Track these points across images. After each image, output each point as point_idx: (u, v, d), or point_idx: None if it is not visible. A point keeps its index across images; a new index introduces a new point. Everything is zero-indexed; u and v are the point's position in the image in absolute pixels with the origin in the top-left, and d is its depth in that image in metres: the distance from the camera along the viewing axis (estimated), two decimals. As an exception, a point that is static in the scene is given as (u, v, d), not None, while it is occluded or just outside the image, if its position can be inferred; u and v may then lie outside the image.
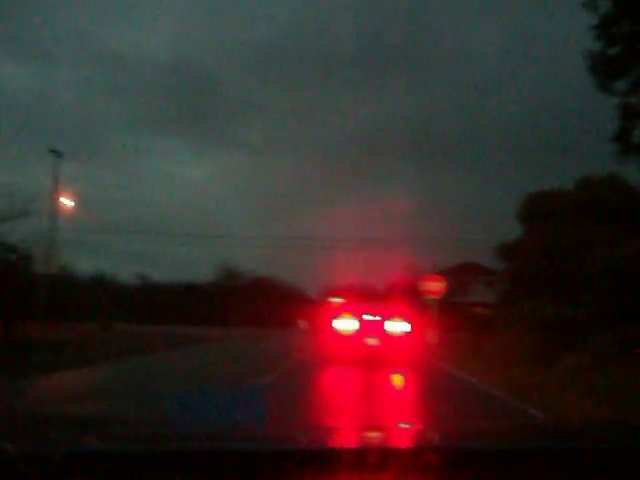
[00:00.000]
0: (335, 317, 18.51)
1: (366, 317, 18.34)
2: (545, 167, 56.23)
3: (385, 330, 17.93)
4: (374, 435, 2.08)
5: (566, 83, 68.58)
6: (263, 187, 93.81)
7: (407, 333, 18.06)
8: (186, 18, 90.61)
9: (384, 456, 1.45)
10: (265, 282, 66.36)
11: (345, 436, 2.01)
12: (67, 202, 35.01)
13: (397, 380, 14.54)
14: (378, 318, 18.23)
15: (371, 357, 16.89)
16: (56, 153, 34.00)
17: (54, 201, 33.54)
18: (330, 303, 22.16)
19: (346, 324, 18.19)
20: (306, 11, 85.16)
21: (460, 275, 50.72)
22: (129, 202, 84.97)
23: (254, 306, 57.44)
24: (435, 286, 29.06)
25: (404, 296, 24.38)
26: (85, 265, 75.03)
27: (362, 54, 65.59)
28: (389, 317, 18.15)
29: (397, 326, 18.11)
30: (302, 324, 52.62)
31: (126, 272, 71.81)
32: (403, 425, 3.18)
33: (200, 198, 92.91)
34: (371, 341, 17.83)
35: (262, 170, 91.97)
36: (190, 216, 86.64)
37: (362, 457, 1.43)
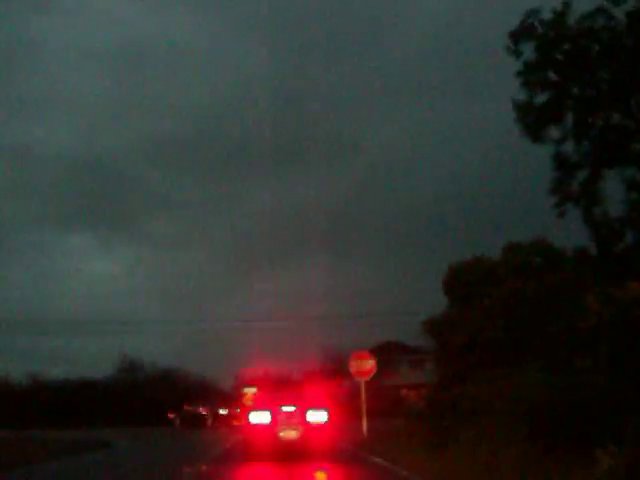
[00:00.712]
0: (249, 410, 17.56)
1: (283, 409, 17.12)
2: (470, 237, 56.02)
3: (304, 421, 16.91)
4: None
5: (485, 157, 69.92)
6: (171, 278, 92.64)
7: (326, 423, 17.04)
8: (94, 113, 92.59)
9: None
10: (172, 374, 62.09)
11: None
12: None
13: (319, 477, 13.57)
14: (294, 409, 17.13)
15: (290, 451, 16.28)
16: None
17: None
18: (243, 395, 19.85)
19: (260, 417, 17.08)
20: (210, 104, 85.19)
21: (384, 355, 48.27)
22: (29, 298, 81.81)
23: (158, 402, 52.87)
24: (365, 365, 26.84)
25: (322, 382, 22.48)
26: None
27: (269, 144, 66.27)
28: (307, 407, 17.11)
29: (316, 416, 17.04)
30: (209, 418, 49.03)
31: (19, 371, 65.16)
32: None
33: (107, 292, 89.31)
34: (289, 434, 16.80)
35: (171, 261, 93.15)
36: (95, 309, 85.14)
37: None
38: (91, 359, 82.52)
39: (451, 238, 65.23)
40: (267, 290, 69.16)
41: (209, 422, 49.03)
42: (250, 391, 18.92)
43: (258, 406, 17.48)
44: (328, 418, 16.99)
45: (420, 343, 48.54)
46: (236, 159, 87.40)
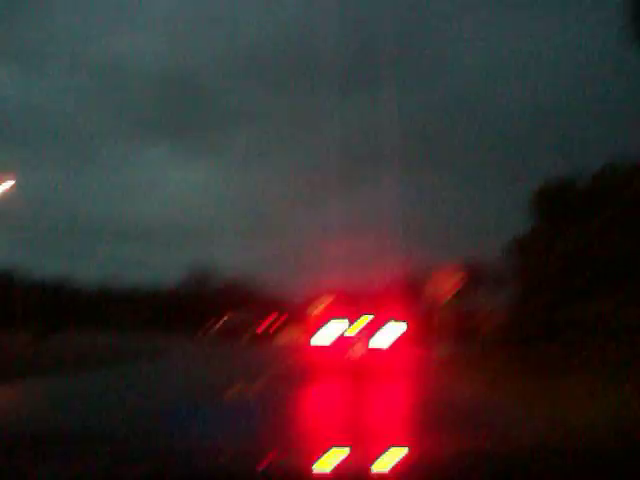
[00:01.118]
0: (318, 324, 16.27)
1: (358, 321, 16.02)
2: (560, 155, 52.43)
3: (379, 336, 15.69)
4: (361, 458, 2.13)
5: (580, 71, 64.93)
6: (246, 191, 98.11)
7: (404, 338, 15.78)
8: (176, 29, 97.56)
9: None
10: (241, 286, 61.53)
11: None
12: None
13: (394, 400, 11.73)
14: (370, 321, 16.00)
15: (363, 370, 14.83)
16: None
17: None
18: (312, 308, 18.59)
19: (332, 330, 15.89)
20: (288, 21, 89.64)
21: (462, 277, 46.18)
22: (110, 208, 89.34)
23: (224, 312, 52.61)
24: (443, 284, 24.80)
25: (400, 298, 20.83)
26: (48, 268, 74.11)
27: (353, 59, 64.37)
28: (384, 319, 15.87)
29: (393, 330, 15.75)
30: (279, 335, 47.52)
31: (89, 277, 68.04)
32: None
33: (184, 203, 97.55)
34: (363, 350, 15.61)
35: (247, 175, 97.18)
36: (172, 220, 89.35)
37: None
38: (165, 267, 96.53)
39: (536, 157, 61.19)
40: (343, 207, 67.82)
41: (252, 333, 44.44)
42: (321, 302, 17.41)
43: (329, 317, 16.27)
44: (406, 333, 15.81)
45: (502, 265, 47.07)
46: (312, 75, 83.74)
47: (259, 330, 47.59)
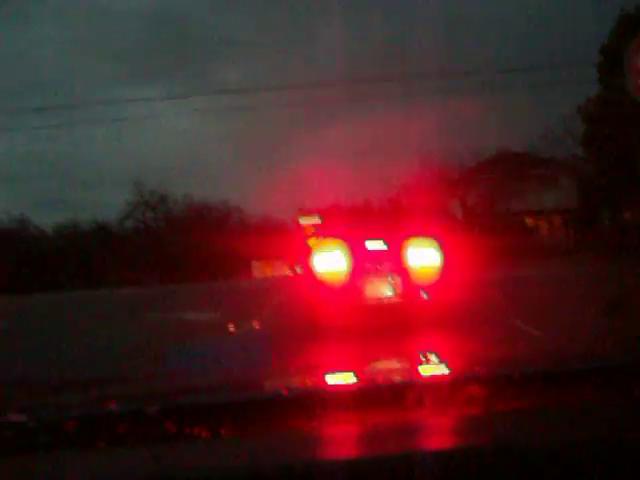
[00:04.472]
0: (313, 251, 12.15)
1: (367, 246, 11.75)
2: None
3: (402, 266, 11.38)
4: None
5: None
6: (241, 126, 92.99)
7: (439, 268, 11.50)
8: None
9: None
10: (207, 210, 57.62)
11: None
12: None
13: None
14: (386, 246, 11.67)
15: (384, 320, 10.72)
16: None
17: None
18: (304, 229, 14.13)
19: (329, 260, 11.70)
20: None
21: (498, 171, 40.45)
22: (102, 153, 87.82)
23: (190, 248, 48.76)
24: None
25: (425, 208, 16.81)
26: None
27: None
28: (406, 242, 11.57)
29: (422, 256, 11.55)
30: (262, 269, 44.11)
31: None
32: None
33: (177, 142, 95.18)
34: (380, 289, 11.31)
35: (240, 108, 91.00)
36: (165, 159, 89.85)
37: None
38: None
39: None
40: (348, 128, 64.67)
41: None
42: (310, 221, 13.13)
43: (329, 243, 12.08)
44: (441, 260, 11.57)
45: (551, 153, 41.78)
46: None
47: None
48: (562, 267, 24.04)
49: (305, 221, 14.94)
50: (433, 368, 2.18)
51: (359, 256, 11.49)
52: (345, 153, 75.88)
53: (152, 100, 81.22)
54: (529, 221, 42.08)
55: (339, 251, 11.54)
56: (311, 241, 13.13)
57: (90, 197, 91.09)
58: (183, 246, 50.28)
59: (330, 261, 11.56)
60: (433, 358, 2.30)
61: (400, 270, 11.33)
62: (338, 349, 9.03)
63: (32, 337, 15.34)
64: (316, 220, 14.49)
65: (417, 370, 2.17)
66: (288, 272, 33.81)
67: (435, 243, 11.64)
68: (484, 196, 39.31)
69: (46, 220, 69.40)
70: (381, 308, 11.24)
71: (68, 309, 26.55)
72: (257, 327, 13.49)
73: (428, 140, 48.70)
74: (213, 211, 59.31)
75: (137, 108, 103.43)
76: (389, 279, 11.30)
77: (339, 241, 11.79)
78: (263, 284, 32.33)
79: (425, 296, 11.21)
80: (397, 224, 12.88)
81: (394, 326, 10.27)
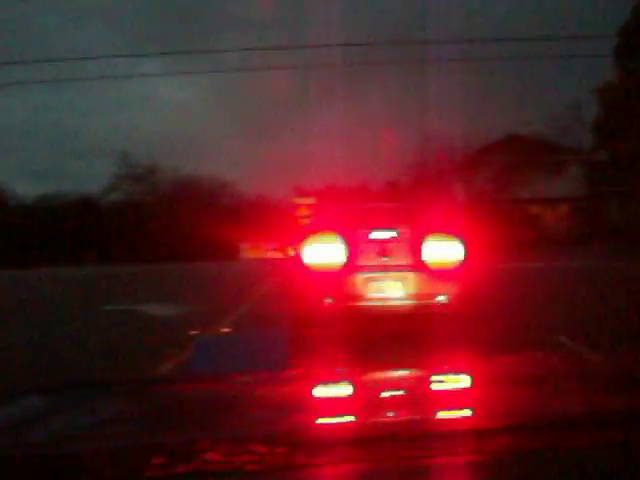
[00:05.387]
0: (306, 237, 9.62)
1: (372, 235, 9.31)
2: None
3: (418, 261, 9.05)
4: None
5: None
6: (242, 103, 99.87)
7: (462, 264, 9.22)
8: None
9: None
10: (197, 185, 55.67)
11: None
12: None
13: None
14: (396, 234, 9.28)
15: (395, 330, 8.76)
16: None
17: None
18: (298, 209, 12.09)
19: (326, 251, 9.27)
20: None
21: (506, 154, 38.78)
22: (103, 126, 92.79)
23: (175, 225, 46.60)
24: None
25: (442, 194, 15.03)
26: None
27: None
28: (421, 233, 9.26)
29: (441, 250, 9.24)
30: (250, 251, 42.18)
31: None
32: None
33: (177, 118, 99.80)
34: (389, 288, 9.03)
35: (243, 86, 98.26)
36: (164, 135, 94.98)
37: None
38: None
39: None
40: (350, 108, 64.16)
41: None
42: (305, 202, 11.14)
43: (319, 227, 9.83)
44: (464, 253, 9.32)
45: (562, 139, 40.14)
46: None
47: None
48: (580, 261, 22.60)
49: (300, 201, 13.16)
50: (454, 408, 1.79)
51: (361, 246, 9.17)
52: (344, 132, 74.83)
53: (146, 75, 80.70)
54: (535, 209, 40.62)
55: (336, 239, 9.22)
56: (305, 224, 11.15)
57: (76, 168, 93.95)
58: (169, 222, 48.32)
59: (325, 251, 9.22)
60: (456, 391, 2.02)
61: (413, 265, 9.03)
62: (328, 372, 6.68)
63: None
64: (312, 201, 12.62)
65: (433, 411, 1.78)
66: (278, 255, 31.69)
67: (457, 232, 9.49)
68: (489, 181, 38.07)
69: (29, 191, 69.30)
70: (388, 314, 9.01)
71: (20, 290, 25.44)
72: (225, 331, 11.13)
73: (432, 120, 46.95)
74: (203, 186, 56.91)
75: (130, 80, 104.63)
76: (399, 276, 9.08)
77: (337, 227, 9.53)
78: (250, 267, 30.08)
79: (445, 299, 9.06)
80: (406, 209, 10.81)
81: (405, 339, 8.22)
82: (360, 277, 9.04)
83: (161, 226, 48.27)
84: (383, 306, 8.99)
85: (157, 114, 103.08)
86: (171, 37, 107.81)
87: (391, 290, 9.03)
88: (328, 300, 9.00)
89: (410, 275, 9.09)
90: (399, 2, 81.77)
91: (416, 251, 9.15)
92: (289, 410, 2.00)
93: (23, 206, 59.01)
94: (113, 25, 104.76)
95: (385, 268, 9.15)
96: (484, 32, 67.78)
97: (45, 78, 66.53)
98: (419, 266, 9.07)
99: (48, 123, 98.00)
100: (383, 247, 9.24)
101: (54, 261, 46.15)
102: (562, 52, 43.61)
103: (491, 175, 37.85)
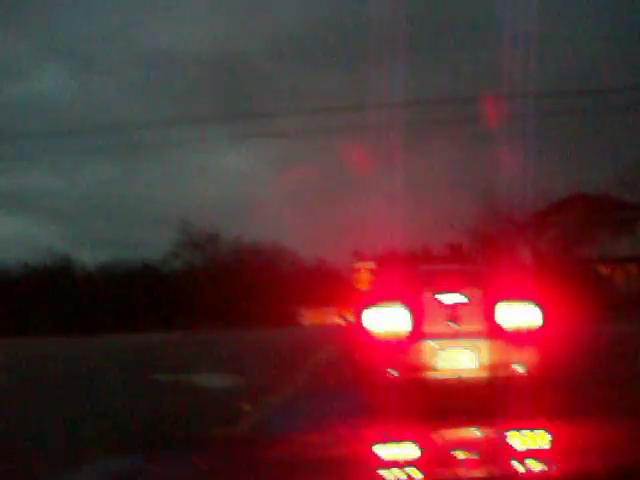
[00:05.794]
0: (368, 302, 9.01)
1: (439, 298, 8.59)
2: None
3: (492, 326, 8.38)
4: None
5: None
6: (300, 173, 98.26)
7: (542, 330, 8.41)
8: (226, 13, 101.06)
9: None
10: (257, 251, 55.84)
11: None
12: None
13: None
14: (466, 299, 8.53)
15: (463, 407, 7.79)
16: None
17: None
18: (358, 274, 11.32)
19: (389, 318, 8.59)
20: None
21: (570, 214, 37.91)
22: (165, 194, 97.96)
23: (235, 292, 46.39)
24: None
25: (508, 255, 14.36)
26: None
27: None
28: (494, 296, 8.56)
29: (518, 315, 8.47)
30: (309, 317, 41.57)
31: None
32: None
33: (238, 186, 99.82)
34: (459, 359, 8.37)
35: (300, 155, 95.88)
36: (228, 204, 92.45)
37: None
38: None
39: None
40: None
41: None
42: (365, 266, 10.34)
43: (380, 292, 9.32)
44: (542, 319, 8.52)
45: (626, 198, 39.03)
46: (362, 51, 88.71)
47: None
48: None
49: (360, 265, 12.50)
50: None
51: (427, 312, 8.51)
52: (403, 196, 75.18)
53: (206, 141, 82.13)
54: (603, 269, 39.23)
55: (400, 304, 8.59)
56: (366, 289, 10.45)
57: (138, 235, 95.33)
58: (228, 289, 48.46)
59: (388, 317, 8.60)
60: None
61: (487, 332, 8.32)
62: (392, 450, 5.97)
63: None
64: (372, 265, 11.92)
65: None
66: (339, 321, 31.02)
67: (533, 295, 8.67)
68: (555, 241, 37.16)
69: (92, 259, 70.57)
70: (460, 386, 8.26)
71: (74, 358, 24.91)
72: (280, 406, 10.39)
73: (493, 181, 46.36)
74: (263, 253, 56.97)
75: (190, 149, 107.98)
76: (471, 344, 8.34)
77: (399, 291, 8.91)
78: (309, 334, 29.81)
79: (523, 368, 8.28)
80: (473, 271, 10.06)
81: (478, 413, 7.18)
82: (427, 345, 8.40)
83: (221, 293, 48.34)
84: (454, 378, 8.32)
85: (218, 182, 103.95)
86: (228, 104, 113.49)
87: (463, 359, 8.36)
88: (392, 371, 8.42)
89: (483, 342, 8.37)
90: (462, 59, 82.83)
91: (488, 316, 8.44)
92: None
93: (87, 273, 60.37)
94: (170, 94, 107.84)
95: (454, 335, 8.44)
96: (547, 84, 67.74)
97: (108, 147, 68.95)
98: (493, 332, 8.37)
99: (112, 192, 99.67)
100: (451, 312, 8.56)
101: (114, 328, 46.54)
102: (628, 105, 42.94)
103: (558, 235, 37.06)
